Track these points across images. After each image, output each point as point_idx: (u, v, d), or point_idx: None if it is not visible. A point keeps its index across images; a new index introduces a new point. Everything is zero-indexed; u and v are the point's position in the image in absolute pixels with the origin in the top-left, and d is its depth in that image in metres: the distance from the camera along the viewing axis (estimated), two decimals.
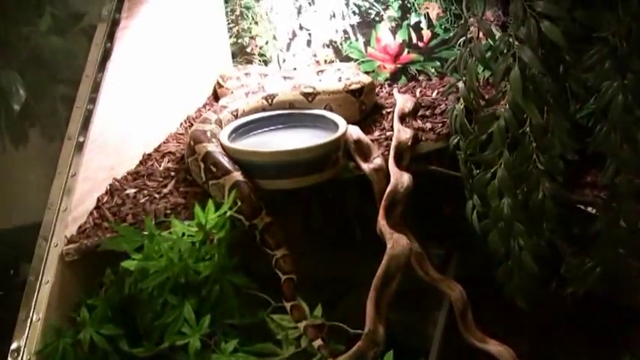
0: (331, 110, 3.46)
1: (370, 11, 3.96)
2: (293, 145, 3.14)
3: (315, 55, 4.10)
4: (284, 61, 4.13)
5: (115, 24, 3.32)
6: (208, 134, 3.22)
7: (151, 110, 3.48)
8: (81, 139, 3.06)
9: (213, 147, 3.12)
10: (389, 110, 3.77)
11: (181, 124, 3.76)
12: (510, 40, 2.93)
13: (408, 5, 3.90)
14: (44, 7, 3.75)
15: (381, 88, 3.93)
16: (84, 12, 3.92)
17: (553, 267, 3.05)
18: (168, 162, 3.42)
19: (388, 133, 3.44)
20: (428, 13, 3.88)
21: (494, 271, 3.02)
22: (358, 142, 3.28)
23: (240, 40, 4.14)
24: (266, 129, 3.43)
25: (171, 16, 3.61)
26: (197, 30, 3.83)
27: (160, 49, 3.52)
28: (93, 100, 3.10)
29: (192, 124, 3.82)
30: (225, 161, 3.06)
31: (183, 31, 3.71)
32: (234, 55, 4.29)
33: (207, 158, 3.07)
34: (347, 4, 4.06)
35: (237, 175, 3.01)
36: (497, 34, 3.01)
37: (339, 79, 3.89)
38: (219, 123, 3.38)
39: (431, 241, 3.51)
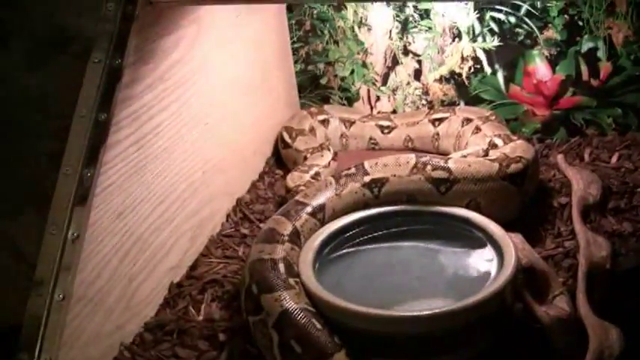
0: (478, 207, 2.43)
1: (518, 31, 2.99)
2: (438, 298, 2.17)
3: (426, 93, 3.14)
4: (378, 99, 3.21)
5: (113, 74, 2.10)
6: (281, 269, 2.14)
7: (176, 203, 2.43)
8: (59, 296, 1.92)
9: (292, 300, 2.04)
10: (560, 199, 2.67)
11: (228, 216, 2.71)
12: None
13: (580, 23, 2.92)
14: None
15: None
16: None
17: None
18: (213, 301, 2.33)
19: (567, 244, 2.46)
20: (610, 35, 2.92)
21: None
22: (530, 271, 2.24)
23: (310, 68, 3.21)
24: (371, 240, 2.38)
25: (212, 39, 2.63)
26: (246, 56, 2.90)
27: (194, 91, 2.53)
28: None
29: (244, 216, 2.73)
30: (317, 333, 1.97)
31: (228, 60, 2.76)
32: (301, 89, 3.26)
33: (284, 325, 2.00)
34: (480, 19, 3.00)
35: None
36: None
37: (485, 151, 2.65)
38: (296, 238, 2.28)
39: None
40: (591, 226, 2.48)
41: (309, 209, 2.37)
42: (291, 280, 2.11)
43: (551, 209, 2.61)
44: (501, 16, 2.95)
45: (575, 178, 2.62)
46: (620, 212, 2.58)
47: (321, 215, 2.38)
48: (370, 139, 3.03)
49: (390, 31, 3.08)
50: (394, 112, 3.17)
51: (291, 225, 2.31)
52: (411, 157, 2.50)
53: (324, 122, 3.07)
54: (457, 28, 3.01)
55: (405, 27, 3.05)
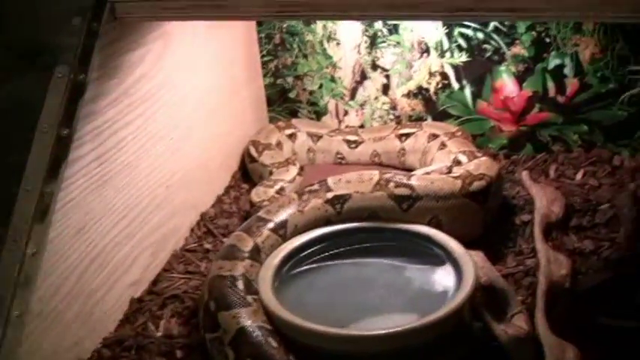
0: (439, 224, 2.38)
1: (486, 47, 2.92)
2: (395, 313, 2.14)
3: (394, 108, 3.08)
4: (346, 114, 3.15)
5: (77, 89, 2.05)
6: (239, 285, 2.11)
7: (138, 218, 2.38)
8: (16, 313, 1.89)
9: (249, 318, 2.01)
10: (523, 216, 2.62)
11: (192, 230, 2.66)
12: None
13: (547, 40, 2.85)
14: None
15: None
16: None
17: None
18: (172, 317, 2.28)
19: (528, 262, 2.41)
20: (576, 52, 2.84)
21: None
22: (489, 290, 2.19)
23: (279, 81, 3.14)
24: (333, 257, 2.34)
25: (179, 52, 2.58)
26: (214, 70, 2.84)
27: (159, 105, 2.48)
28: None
29: (208, 230, 2.69)
30: (272, 351, 1.93)
31: (196, 74, 2.72)
32: (269, 103, 3.18)
33: (239, 343, 1.95)
34: (449, 34, 2.93)
35: None
36: None
37: (449, 168, 2.60)
38: (256, 254, 2.24)
39: None
40: (553, 243, 2.41)
41: (270, 225, 2.32)
42: (250, 298, 2.07)
43: (513, 227, 2.56)
44: (469, 32, 2.87)
45: (538, 196, 2.55)
46: (582, 230, 2.52)
47: (283, 231, 2.33)
48: (337, 153, 2.97)
49: (359, 45, 3.00)
50: (362, 126, 3.09)
51: (252, 241, 2.26)
52: (375, 174, 2.44)
53: (292, 136, 3.00)
54: (425, 44, 2.93)
55: (373, 42, 2.98)
